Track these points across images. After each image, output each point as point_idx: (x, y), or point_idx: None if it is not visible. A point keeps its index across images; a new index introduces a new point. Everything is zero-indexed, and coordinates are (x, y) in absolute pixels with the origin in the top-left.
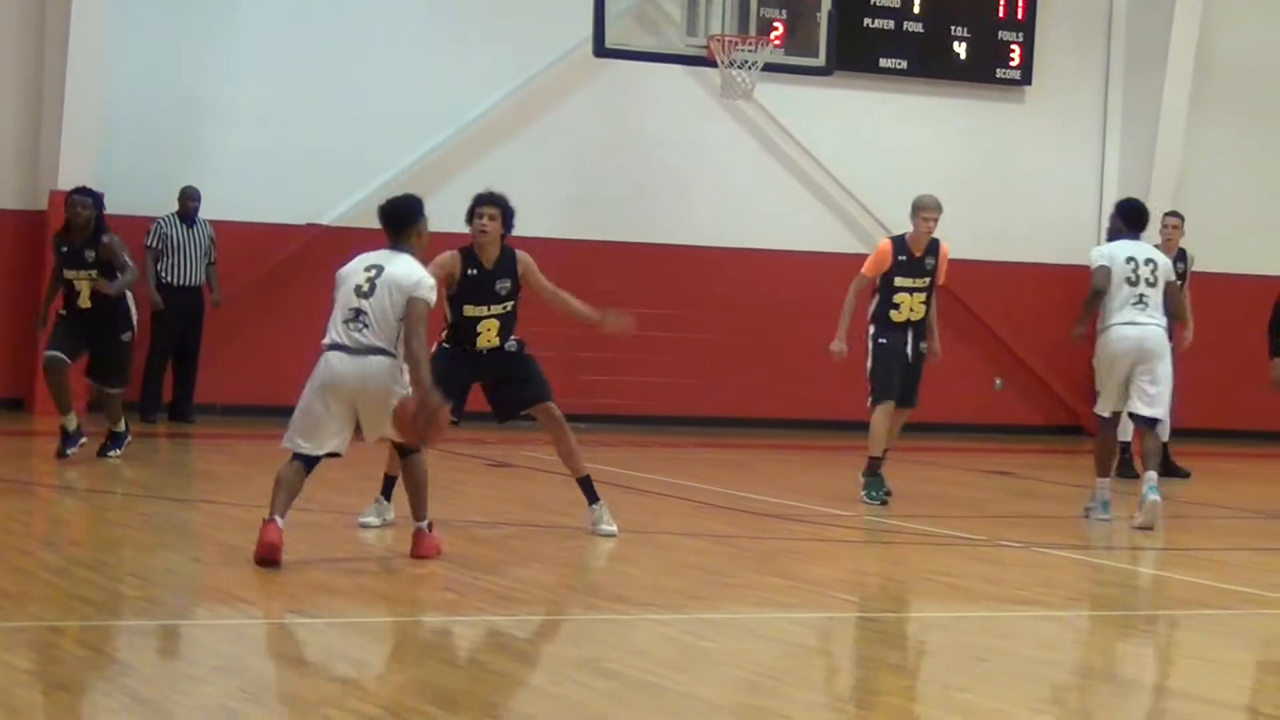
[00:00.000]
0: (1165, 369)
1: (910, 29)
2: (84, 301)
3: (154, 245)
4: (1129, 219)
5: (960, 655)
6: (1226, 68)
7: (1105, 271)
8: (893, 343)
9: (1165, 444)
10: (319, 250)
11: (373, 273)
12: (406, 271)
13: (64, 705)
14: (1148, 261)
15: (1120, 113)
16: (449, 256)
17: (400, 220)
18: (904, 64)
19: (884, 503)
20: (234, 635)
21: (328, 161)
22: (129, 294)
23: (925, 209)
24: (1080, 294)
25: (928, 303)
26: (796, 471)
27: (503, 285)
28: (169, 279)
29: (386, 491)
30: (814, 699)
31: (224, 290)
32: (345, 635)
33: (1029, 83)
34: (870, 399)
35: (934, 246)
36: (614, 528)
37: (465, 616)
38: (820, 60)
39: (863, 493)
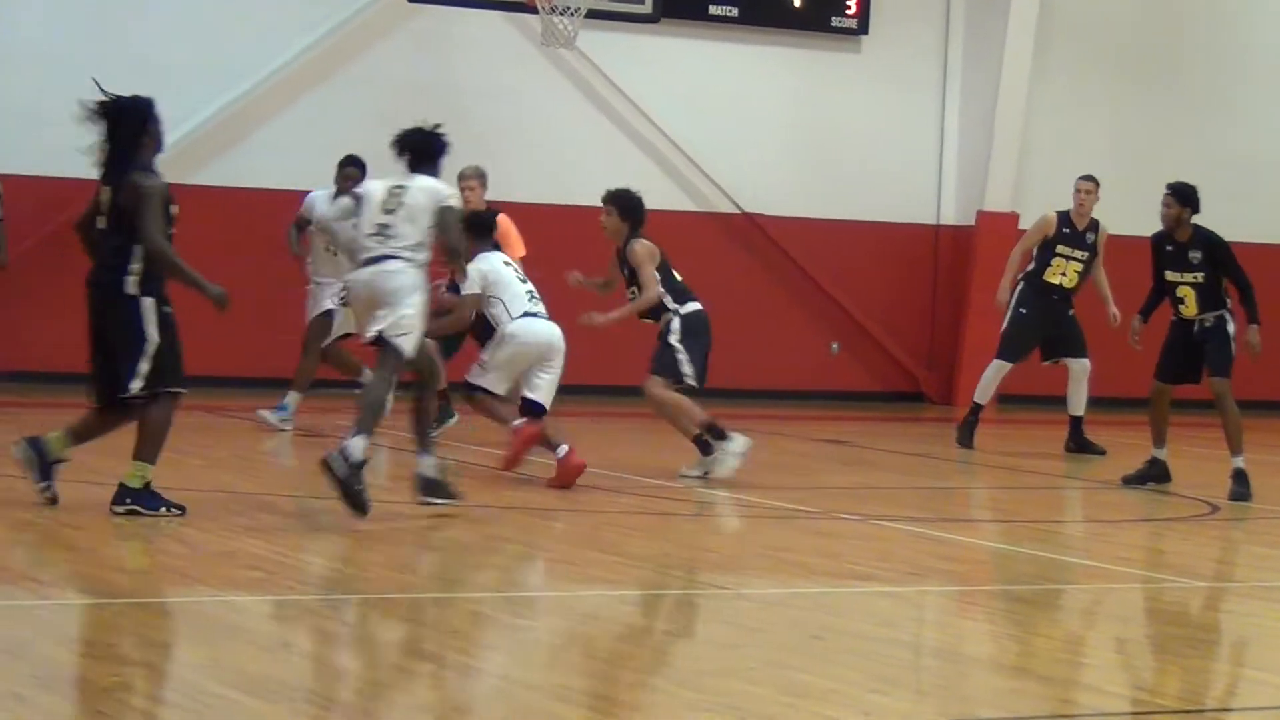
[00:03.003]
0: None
1: None
2: None
3: None
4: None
5: (794, 633)
6: (1071, 17)
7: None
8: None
9: (1080, 418)
10: None
11: None
12: None
13: None
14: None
15: (961, 64)
16: None
17: None
18: (734, 11)
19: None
20: (24, 617)
21: None
22: None
23: (460, 177)
24: (918, 252)
25: None
26: (618, 440)
27: None
28: None
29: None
30: (639, 679)
31: (11, 249)
32: (144, 617)
33: (866, 32)
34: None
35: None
36: None
37: (273, 596)
38: (646, 7)
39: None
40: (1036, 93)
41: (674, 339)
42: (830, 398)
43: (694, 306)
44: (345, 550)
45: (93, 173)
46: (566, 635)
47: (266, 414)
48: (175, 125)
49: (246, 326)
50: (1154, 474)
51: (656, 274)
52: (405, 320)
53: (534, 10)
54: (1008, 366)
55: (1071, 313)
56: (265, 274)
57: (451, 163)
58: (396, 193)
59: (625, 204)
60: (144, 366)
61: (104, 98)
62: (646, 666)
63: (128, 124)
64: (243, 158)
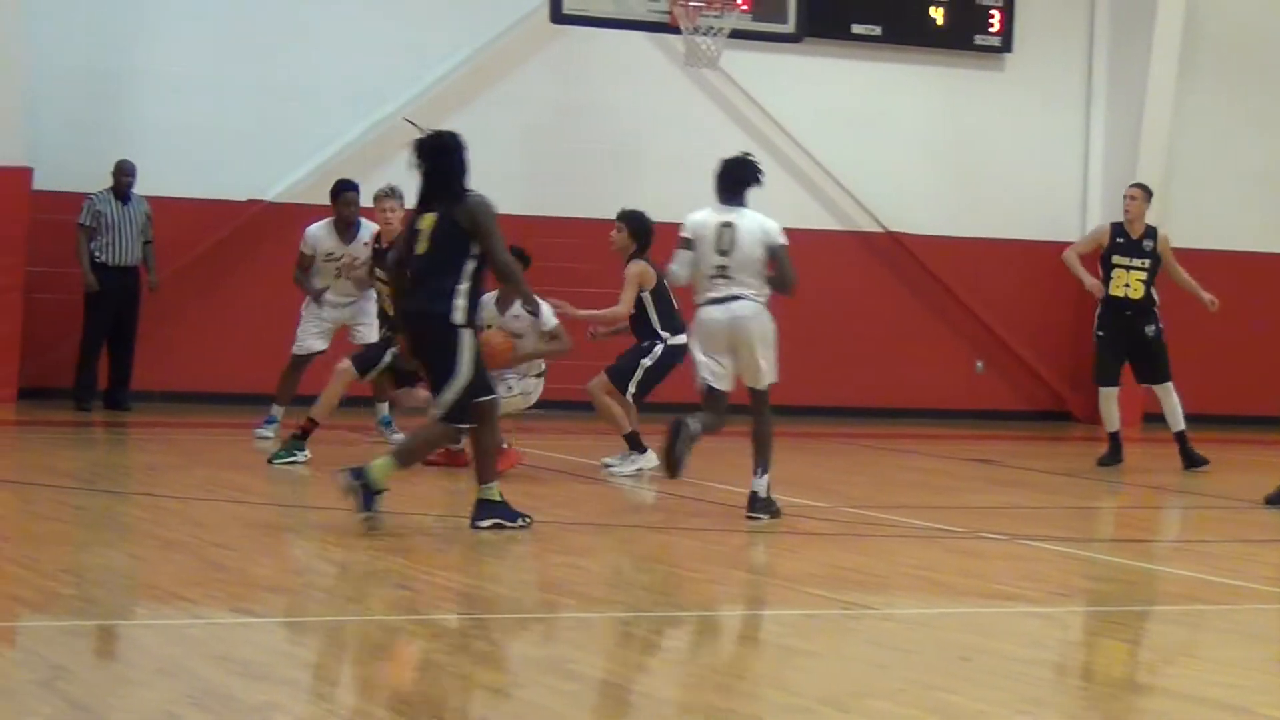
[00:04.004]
0: None
1: None
2: None
3: (87, 223)
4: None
5: (941, 654)
6: (1216, 35)
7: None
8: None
9: (1182, 432)
10: (262, 227)
11: None
12: None
13: None
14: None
15: (1105, 82)
16: None
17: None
18: (878, 30)
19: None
20: (175, 636)
21: (270, 134)
22: None
23: (376, 199)
24: (1063, 270)
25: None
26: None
27: None
28: (103, 258)
29: None
30: (787, 700)
31: (162, 270)
32: (293, 635)
33: (1009, 50)
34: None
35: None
36: None
37: (421, 615)
38: (789, 26)
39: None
40: (1182, 108)
41: (647, 361)
42: (975, 416)
43: (680, 340)
44: (490, 570)
45: (239, 193)
46: (712, 655)
47: (397, 436)
48: (322, 146)
49: None
50: None
51: (649, 299)
52: (774, 365)
53: (677, 31)
54: (1110, 390)
55: (1151, 330)
56: None
57: (598, 180)
58: (726, 231)
59: (636, 224)
60: (449, 397)
61: (422, 134)
62: (794, 686)
63: (451, 155)
64: (388, 179)
